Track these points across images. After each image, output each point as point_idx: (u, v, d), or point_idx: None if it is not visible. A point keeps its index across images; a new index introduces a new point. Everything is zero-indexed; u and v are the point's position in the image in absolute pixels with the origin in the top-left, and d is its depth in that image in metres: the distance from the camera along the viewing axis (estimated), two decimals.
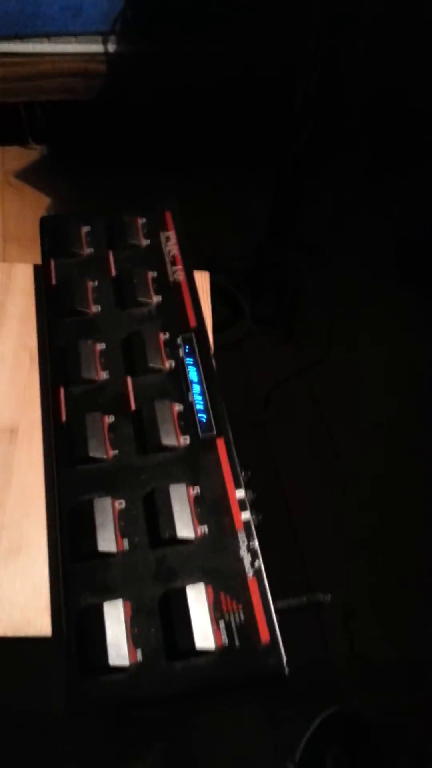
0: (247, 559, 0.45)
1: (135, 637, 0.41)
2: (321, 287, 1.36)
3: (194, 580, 0.43)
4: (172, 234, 0.64)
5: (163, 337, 0.56)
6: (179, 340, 0.56)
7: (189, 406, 0.52)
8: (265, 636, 0.42)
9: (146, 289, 0.59)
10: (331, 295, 1.35)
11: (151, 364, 0.54)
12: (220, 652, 0.41)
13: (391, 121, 1.27)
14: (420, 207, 1.36)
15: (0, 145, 1.57)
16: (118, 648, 0.40)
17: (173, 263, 0.62)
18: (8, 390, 0.54)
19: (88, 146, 1.57)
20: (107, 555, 0.44)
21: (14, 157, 1.55)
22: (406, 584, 0.99)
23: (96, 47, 1.26)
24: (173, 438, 0.50)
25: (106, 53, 1.28)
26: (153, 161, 1.51)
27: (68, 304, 0.58)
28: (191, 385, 0.53)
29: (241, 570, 0.44)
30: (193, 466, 0.49)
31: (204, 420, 0.51)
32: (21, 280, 0.62)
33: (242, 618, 0.42)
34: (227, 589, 0.43)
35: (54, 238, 0.63)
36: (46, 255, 0.62)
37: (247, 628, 0.42)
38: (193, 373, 0.54)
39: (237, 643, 0.41)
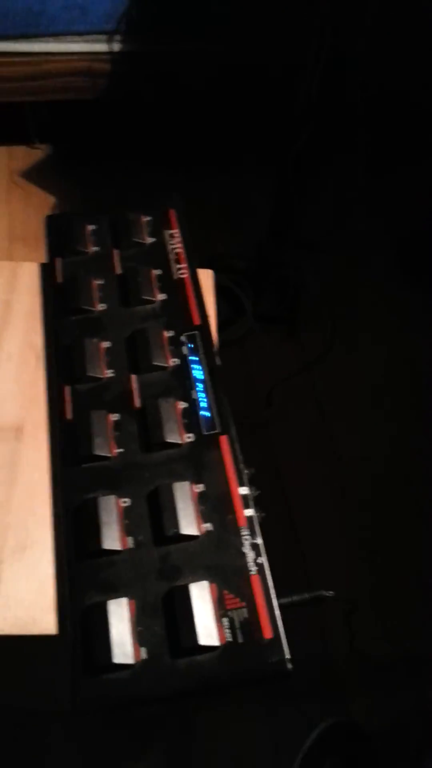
0: (250, 555, 0.45)
1: (139, 635, 0.41)
2: (322, 286, 1.36)
3: (198, 578, 0.44)
4: (176, 232, 0.65)
5: (168, 335, 0.56)
6: (183, 338, 0.56)
7: (193, 404, 0.52)
8: (268, 632, 0.42)
9: (150, 287, 0.59)
10: (332, 294, 1.35)
11: (155, 362, 0.54)
12: (224, 649, 0.41)
13: (391, 120, 1.27)
14: (421, 206, 1.36)
15: (5, 144, 1.57)
16: (123, 646, 0.40)
17: (177, 261, 0.62)
18: (14, 388, 0.55)
19: (93, 145, 1.57)
20: (112, 553, 0.44)
21: (20, 157, 1.56)
22: (406, 584, 0.99)
23: (101, 46, 1.26)
24: (177, 435, 0.50)
25: (111, 52, 1.27)
26: (157, 160, 1.52)
27: (74, 303, 0.58)
28: (195, 383, 0.54)
29: (244, 567, 0.44)
30: (197, 463, 0.49)
31: (207, 417, 0.52)
32: (27, 278, 0.62)
33: (245, 615, 0.42)
34: (231, 586, 0.43)
35: (59, 236, 0.64)
36: (51, 253, 0.63)
37: (251, 625, 0.42)
38: (197, 371, 0.54)
39: (240, 639, 0.41)
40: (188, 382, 0.54)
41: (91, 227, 0.64)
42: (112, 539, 0.44)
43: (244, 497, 0.47)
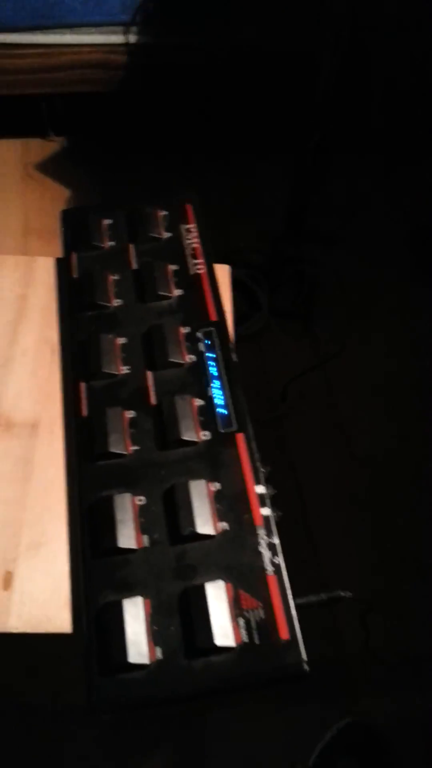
0: (266, 555, 0.44)
1: (155, 635, 0.41)
2: (337, 281, 1.35)
3: (214, 577, 0.43)
4: (192, 227, 0.64)
5: (184, 331, 0.56)
6: (200, 334, 0.56)
7: (209, 401, 0.52)
8: (284, 633, 0.41)
9: (167, 282, 0.59)
10: (347, 289, 1.34)
11: (171, 359, 0.53)
12: (240, 650, 0.41)
13: (406, 112, 1.25)
14: None
15: (21, 137, 1.57)
16: (138, 645, 0.40)
17: (194, 256, 0.61)
18: (30, 384, 0.54)
19: (108, 138, 1.57)
20: (127, 551, 0.44)
21: (35, 150, 1.55)
22: (421, 583, 0.98)
23: (117, 38, 1.25)
24: (193, 433, 0.49)
25: (126, 44, 1.26)
26: (173, 154, 1.51)
27: (89, 298, 0.57)
28: (211, 380, 0.53)
29: (260, 566, 0.44)
30: (213, 461, 0.49)
31: (224, 415, 0.51)
32: (42, 273, 0.62)
33: (262, 615, 0.42)
34: (247, 586, 0.43)
35: (75, 231, 0.63)
36: (67, 248, 0.62)
37: (267, 625, 0.41)
38: (213, 368, 0.54)
39: (257, 640, 0.41)
40: (204, 379, 0.53)
41: (106, 222, 0.64)
42: (128, 537, 0.44)
43: (261, 496, 0.47)
